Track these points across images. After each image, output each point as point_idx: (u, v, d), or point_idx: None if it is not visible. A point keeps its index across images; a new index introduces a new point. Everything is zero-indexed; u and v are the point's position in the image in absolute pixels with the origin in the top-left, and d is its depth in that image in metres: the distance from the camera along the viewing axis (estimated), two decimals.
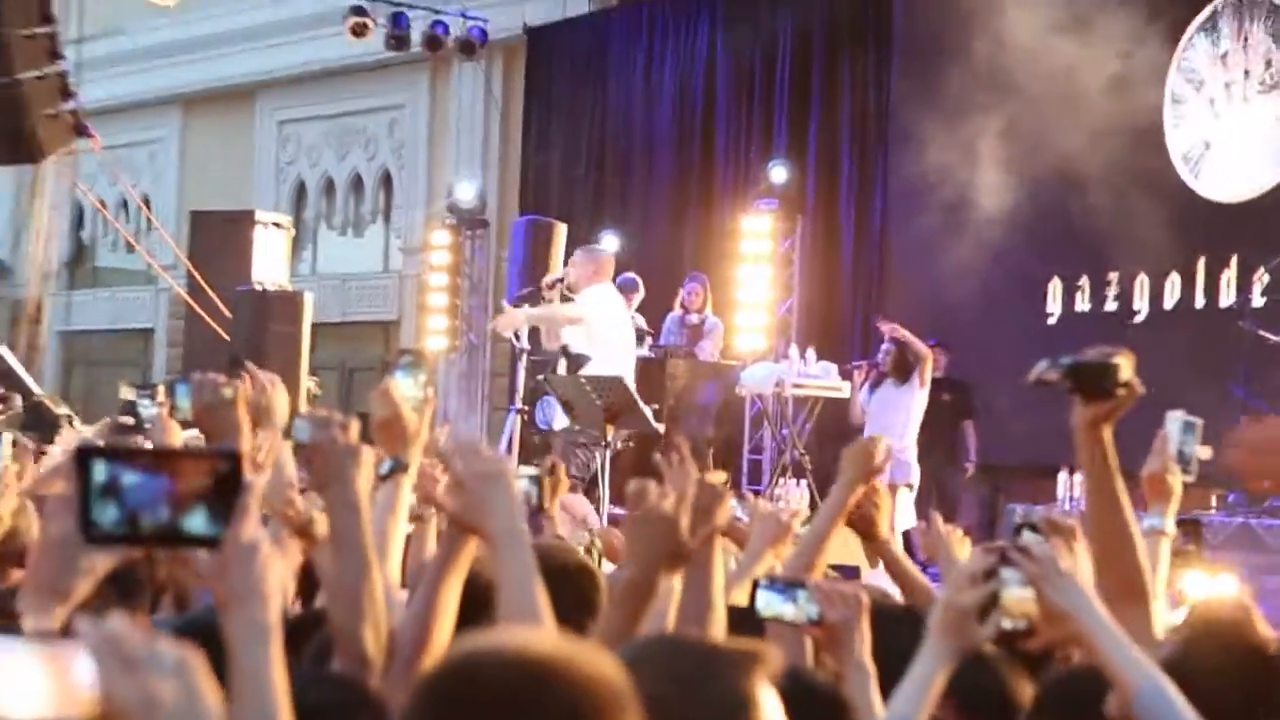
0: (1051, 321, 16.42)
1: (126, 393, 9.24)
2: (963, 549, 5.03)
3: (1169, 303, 15.74)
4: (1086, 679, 3.39)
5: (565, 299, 15.10)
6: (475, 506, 3.30)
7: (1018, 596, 3.27)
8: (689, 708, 2.14)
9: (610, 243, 18.30)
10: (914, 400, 14.93)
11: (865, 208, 18.76)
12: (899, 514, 13.03)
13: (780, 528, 4.98)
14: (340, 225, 25.68)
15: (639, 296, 16.86)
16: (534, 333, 16.63)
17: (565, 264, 16.10)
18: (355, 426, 3.83)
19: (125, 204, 22.38)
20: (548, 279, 16.58)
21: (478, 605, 3.53)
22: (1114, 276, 16.10)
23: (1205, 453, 5.27)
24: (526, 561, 3.16)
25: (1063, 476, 13.03)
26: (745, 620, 3.77)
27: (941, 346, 15.64)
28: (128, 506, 2.26)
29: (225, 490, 2.31)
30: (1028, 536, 3.95)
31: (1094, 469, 4.01)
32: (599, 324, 14.38)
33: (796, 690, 2.56)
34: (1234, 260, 15.21)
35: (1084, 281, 16.28)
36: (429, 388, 4.59)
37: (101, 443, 4.45)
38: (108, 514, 2.24)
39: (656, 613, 3.39)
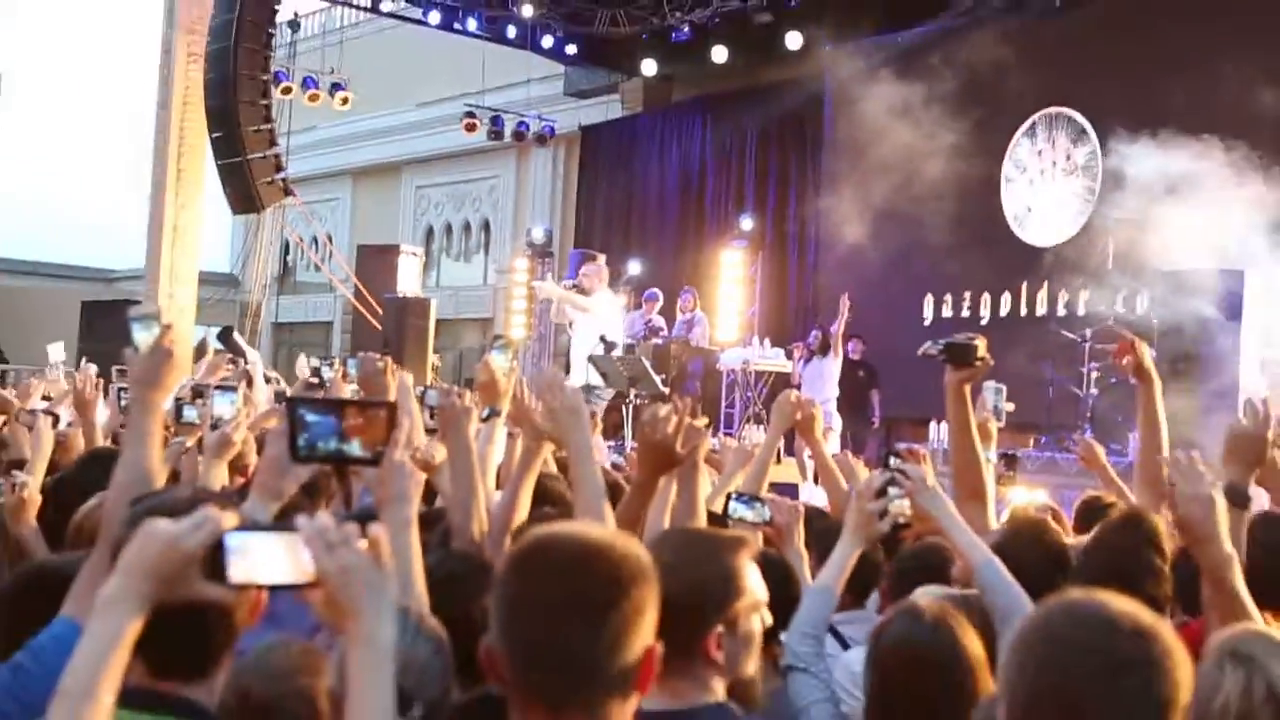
0: (927, 324, 16.86)
1: (302, 365, 9.51)
2: (864, 472, 5.11)
3: (1003, 312, 16.57)
4: (933, 552, 3.83)
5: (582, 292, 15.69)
6: (562, 428, 3.56)
7: (899, 504, 3.56)
8: (696, 573, 2.35)
9: (634, 267, 18.89)
10: (834, 368, 15.46)
11: (803, 247, 19.46)
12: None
13: (745, 455, 5.37)
14: (455, 255, 26.00)
15: (659, 304, 17.37)
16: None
17: (578, 272, 16.64)
18: (467, 394, 4.20)
19: (315, 240, 22.46)
20: (567, 281, 17.70)
21: (541, 498, 3.95)
22: (967, 295, 16.98)
23: (1010, 406, 5.66)
24: (593, 465, 3.43)
25: (933, 425, 13.01)
26: (717, 522, 3.85)
27: (858, 339, 16.20)
28: (314, 433, 2.60)
29: (381, 429, 2.66)
30: (893, 461, 3.80)
31: (957, 415, 4.38)
32: (601, 316, 15.37)
33: (762, 562, 2.65)
34: (1045, 285, 16.07)
35: (948, 297, 17.12)
36: (514, 361, 4.72)
37: (299, 395, 5.89)
38: (302, 439, 2.59)
39: (656, 510, 3.56)
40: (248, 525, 1.86)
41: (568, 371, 14.73)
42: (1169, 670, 1.78)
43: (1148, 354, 4.64)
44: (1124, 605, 1.86)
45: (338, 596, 1.76)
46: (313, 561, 1.75)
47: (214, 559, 1.77)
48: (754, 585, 2.46)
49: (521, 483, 3.80)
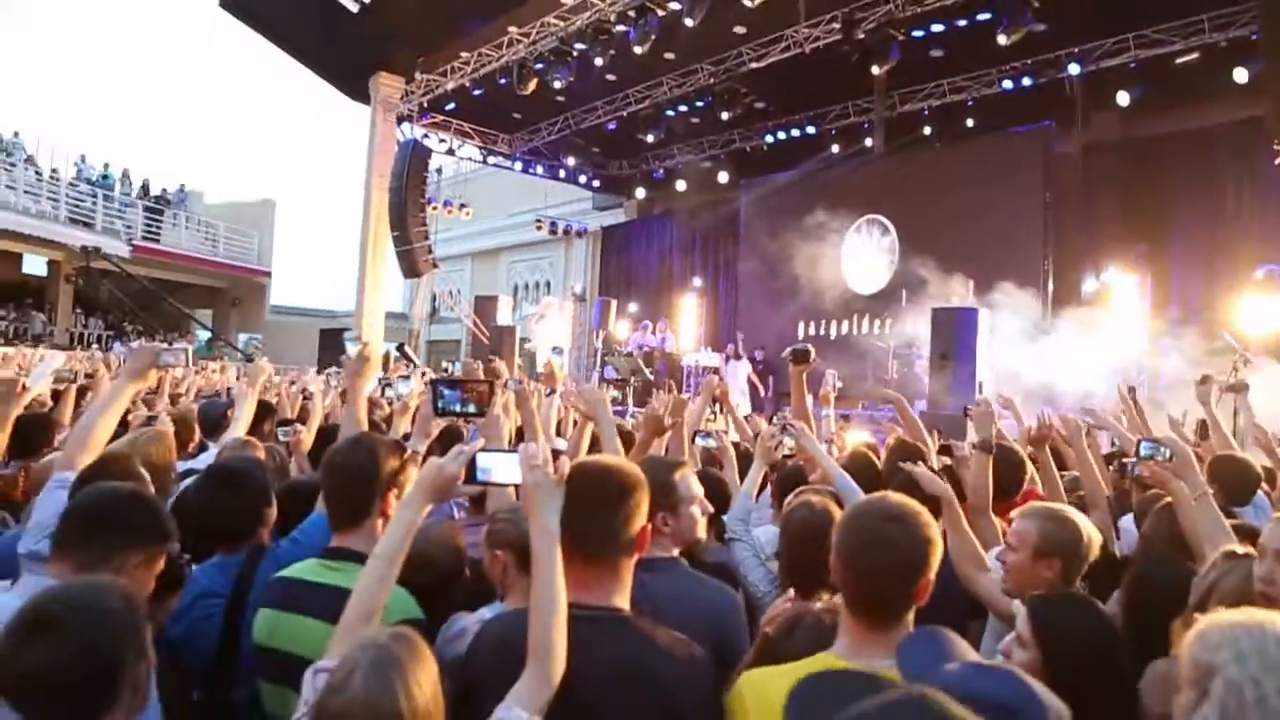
0: (800, 338, 15.15)
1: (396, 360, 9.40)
2: (764, 425, 4.85)
3: (844, 331, 15.94)
4: (798, 470, 3.56)
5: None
6: (593, 413, 3.39)
7: (788, 441, 3.52)
8: (656, 475, 2.11)
9: (633, 307, 18.91)
10: (743, 367, 15.05)
11: (729, 295, 18.88)
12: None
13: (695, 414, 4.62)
14: (530, 300, 23.59)
15: (649, 328, 16.78)
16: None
17: (604, 317, 16.74)
18: (532, 383, 4.18)
19: (451, 292, 22.39)
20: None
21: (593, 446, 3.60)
22: (824, 321, 16.20)
23: (840, 384, 5.18)
24: (611, 430, 3.22)
25: (809, 404, 12.96)
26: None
27: (762, 348, 15.84)
28: (447, 400, 2.58)
29: (485, 396, 2.63)
30: (785, 416, 3.79)
31: (796, 392, 4.26)
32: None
33: (701, 476, 2.62)
34: (867, 315, 15.54)
35: (813, 323, 16.30)
36: (563, 361, 5.03)
37: (434, 377, 5.34)
38: (440, 404, 2.58)
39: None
40: (490, 449, 1.93)
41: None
42: (910, 538, 1.78)
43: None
44: (898, 500, 1.87)
45: (530, 498, 1.75)
46: (520, 473, 1.79)
47: (470, 469, 1.86)
48: (688, 488, 2.40)
49: (580, 438, 3.72)
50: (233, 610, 2.25)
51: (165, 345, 3.38)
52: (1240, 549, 2.18)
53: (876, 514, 1.84)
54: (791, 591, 2.27)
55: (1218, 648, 1.26)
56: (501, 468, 1.86)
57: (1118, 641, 1.92)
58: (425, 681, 1.48)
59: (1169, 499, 2.75)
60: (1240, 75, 10.97)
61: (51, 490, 2.35)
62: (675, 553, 2.35)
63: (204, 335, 21.21)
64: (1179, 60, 11.76)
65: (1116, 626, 1.98)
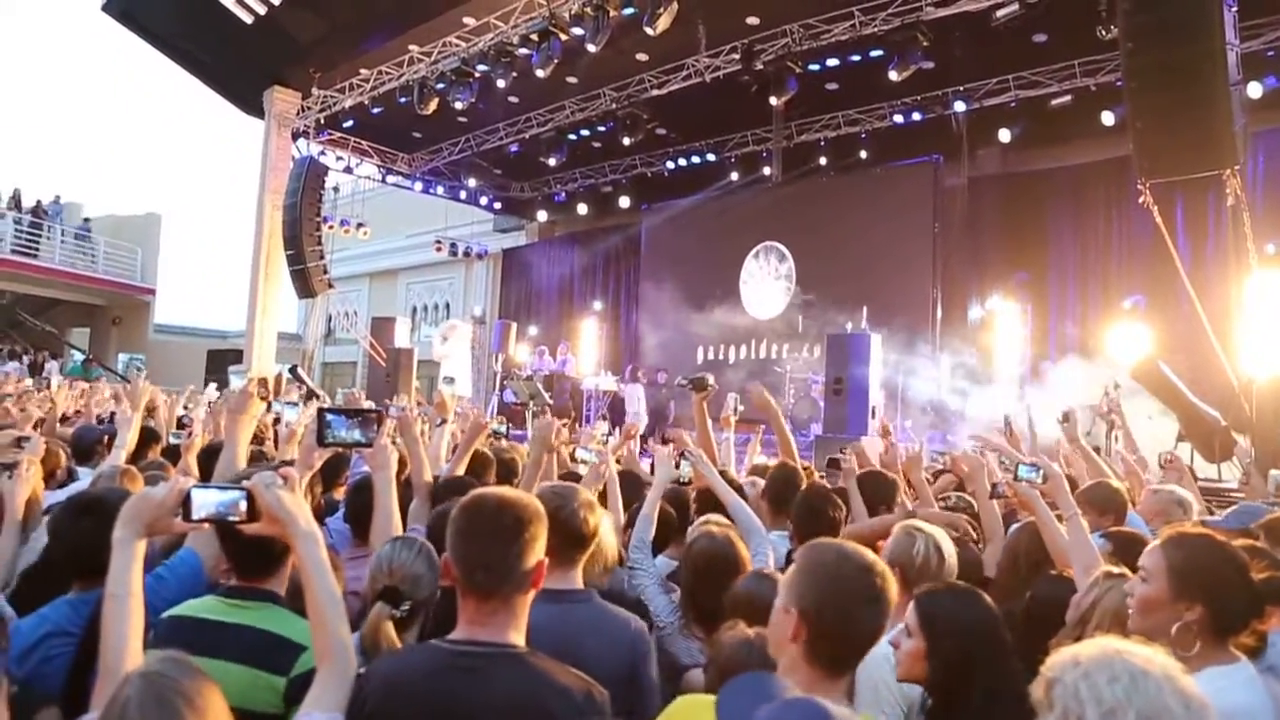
0: (699, 363, 16.35)
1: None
2: (665, 453, 4.40)
3: (742, 356, 16.09)
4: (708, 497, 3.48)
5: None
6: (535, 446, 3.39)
7: (686, 468, 3.50)
8: (560, 508, 2.14)
9: (533, 330, 18.87)
10: (639, 390, 14.75)
11: (628, 319, 18.84)
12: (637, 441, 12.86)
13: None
14: (430, 322, 23.63)
15: (546, 352, 16.67)
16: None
17: (503, 340, 16.65)
18: (416, 409, 4.21)
19: (346, 313, 20.99)
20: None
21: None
22: (722, 346, 16.39)
23: (742, 408, 5.40)
24: (538, 458, 3.30)
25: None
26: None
27: (664, 370, 15.51)
28: (334, 429, 2.48)
29: (374, 424, 2.55)
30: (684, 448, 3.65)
31: (699, 418, 4.33)
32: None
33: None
34: (766, 340, 15.79)
35: (710, 348, 16.52)
36: (454, 391, 5.03)
37: (327, 404, 5.21)
38: (327, 433, 2.47)
39: (543, 474, 3.35)
40: (203, 484, 1.81)
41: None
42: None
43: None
44: (853, 546, 1.82)
45: (276, 514, 1.73)
46: (250, 501, 1.74)
47: (185, 506, 1.74)
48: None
49: (459, 461, 3.66)
50: (84, 650, 2.07)
51: None
52: (1117, 569, 2.26)
53: (833, 569, 1.76)
54: None
55: (1061, 666, 1.31)
56: (223, 503, 1.77)
57: (999, 629, 1.97)
58: (210, 701, 1.41)
59: (1032, 518, 2.91)
60: (1108, 118, 11.64)
61: None
62: (580, 582, 2.30)
63: (79, 356, 20.17)
64: (1054, 102, 12.39)
65: (998, 615, 2.03)
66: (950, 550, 2.47)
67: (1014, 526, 3.17)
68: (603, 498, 3.20)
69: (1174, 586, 1.91)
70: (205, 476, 3.55)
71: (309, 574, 1.70)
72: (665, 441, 3.85)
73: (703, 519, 3.13)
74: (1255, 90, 10.03)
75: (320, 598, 1.68)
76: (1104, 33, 9.87)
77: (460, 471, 3.59)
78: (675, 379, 4.03)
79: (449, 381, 15.21)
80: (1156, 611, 1.92)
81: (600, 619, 2.23)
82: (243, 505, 1.75)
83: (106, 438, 3.88)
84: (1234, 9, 7.18)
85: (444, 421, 4.37)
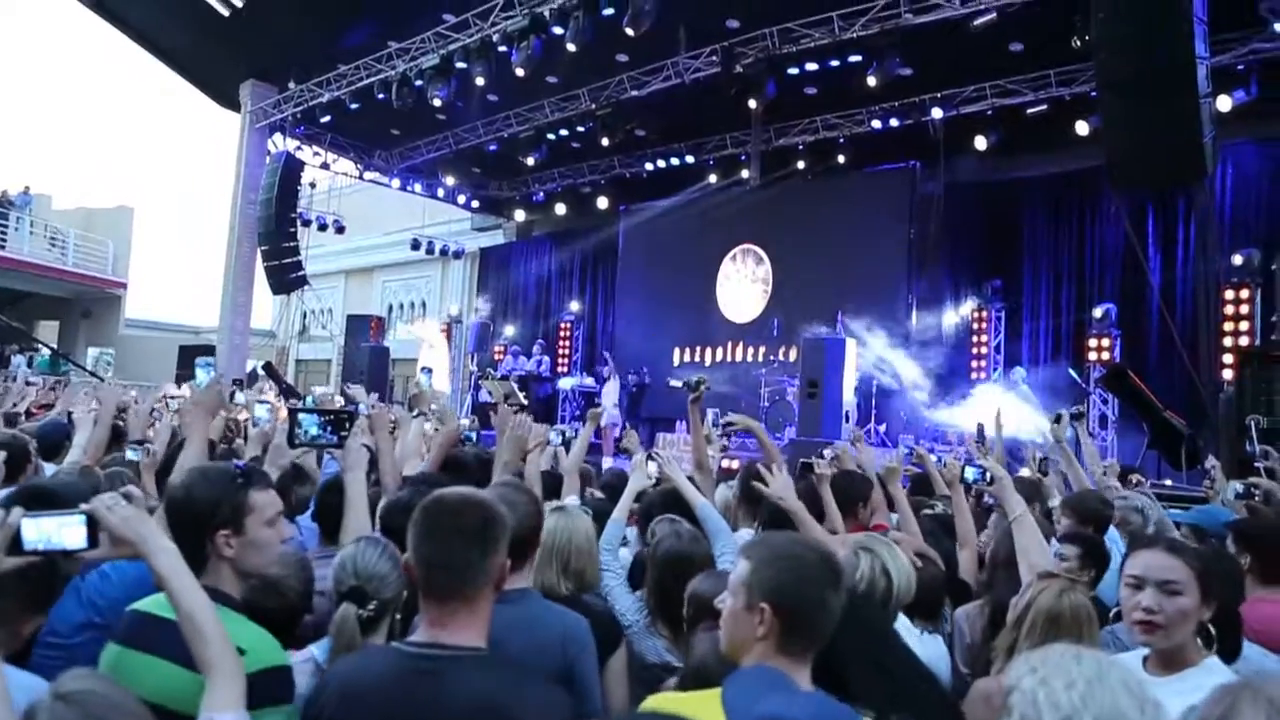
0: (675, 365, 16.30)
1: (317, 388, 9.41)
2: (639, 459, 4.17)
3: (718, 359, 15.95)
4: (668, 495, 3.42)
5: None
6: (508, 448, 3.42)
7: (653, 469, 3.43)
8: (514, 505, 2.10)
9: (510, 330, 19.07)
10: (614, 387, 15.10)
11: (605, 320, 18.69)
12: (612, 436, 12.48)
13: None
14: (405, 320, 22.85)
15: (522, 353, 17.30)
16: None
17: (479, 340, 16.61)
18: (384, 406, 3.99)
19: (321, 311, 21.20)
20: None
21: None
22: (699, 348, 16.31)
23: (734, 418, 5.09)
24: (507, 462, 3.36)
25: (679, 424, 12.66)
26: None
27: (636, 374, 15.92)
28: (305, 429, 2.51)
29: (346, 424, 2.57)
30: (655, 448, 3.72)
31: (695, 421, 4.32)
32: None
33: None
34: (743, 343, 15.68)
35: (687, 350, 16.43)
36: (432, 383, 4.99)
37: (299, 404, 5.69)
38: (298, 433, 2.52)
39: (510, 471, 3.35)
40: (37, 513, 1.67)
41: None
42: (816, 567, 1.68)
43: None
44: (806, 540, 1.84)
45: (124, 536, 1.67)
46: (91, 525, 1.66)
47: (14, 540, 1.64)
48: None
49: (439, 458, 3.65)
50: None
51: None
52: (1054, 569, 2.33)
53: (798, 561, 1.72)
54: None
55: (1019, 673, 1.31)
56: (59, 532, 1.66)
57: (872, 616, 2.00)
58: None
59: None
60: (1082, 128, 11.77)
61: None
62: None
63: (47, 351, 19.78)
64: (1030, 110, 12.49)
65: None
66: (900, 571, 2.39)
67: (999, 533, 3.17)
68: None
69: (1202, 591, 2.02)
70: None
71: (173, 591, 1.64)
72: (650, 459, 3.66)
73: (660, 518, 3.14)
74: (1225, 103, 10.12)
75: (189, 611, 1.62)
76: (1078, 42, 9.96)
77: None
78: (675, 382, 4.02)
79: (426, 372, 15.21)
80: (1191, 619, 2.01)
81: (531, 618, 2.19)
82: (81, 530, 1.66)
83: (72, 434, 3.83)
84: (1205, 23, 7.27)
85: (420, 414, 4.34)
